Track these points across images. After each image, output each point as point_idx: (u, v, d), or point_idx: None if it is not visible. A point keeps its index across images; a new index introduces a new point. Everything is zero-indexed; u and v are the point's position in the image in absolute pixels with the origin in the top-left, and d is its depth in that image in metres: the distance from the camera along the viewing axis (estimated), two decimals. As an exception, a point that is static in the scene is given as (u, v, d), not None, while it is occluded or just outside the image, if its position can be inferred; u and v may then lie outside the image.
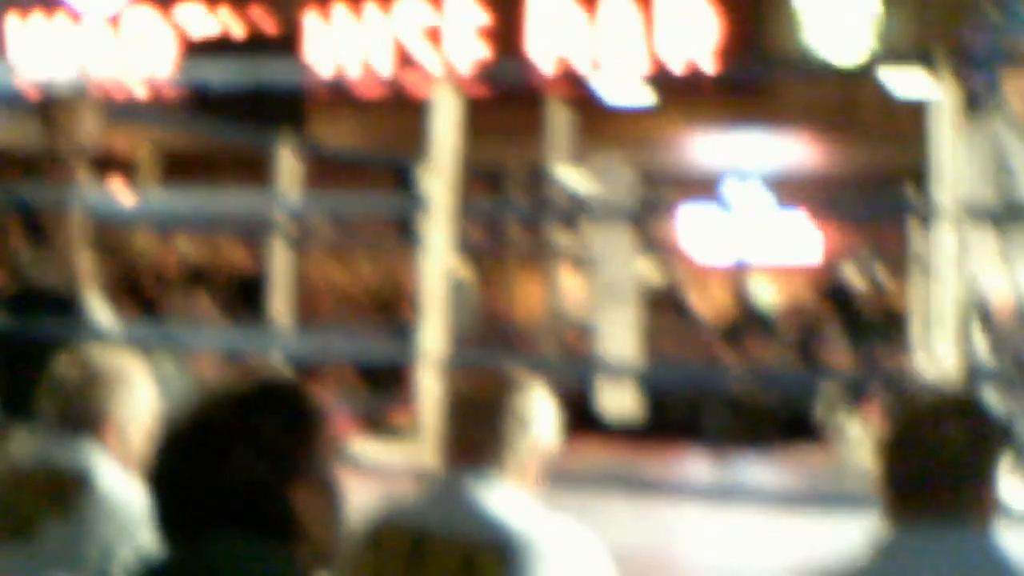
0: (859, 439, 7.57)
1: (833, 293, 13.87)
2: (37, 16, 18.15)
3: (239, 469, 2.18)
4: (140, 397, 3.69)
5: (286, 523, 2.21)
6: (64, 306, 6.33)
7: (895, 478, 2.64)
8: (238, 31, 15.65)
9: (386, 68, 17.01)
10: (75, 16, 17.90)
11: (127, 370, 3.71)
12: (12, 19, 18.28)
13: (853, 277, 14.22)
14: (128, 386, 3.67)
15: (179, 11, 17.43)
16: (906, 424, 2.66)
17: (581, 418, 8.72)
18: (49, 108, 6.56)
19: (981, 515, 2.62)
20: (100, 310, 6.41)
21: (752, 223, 17.18)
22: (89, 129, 6.57)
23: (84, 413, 3.60)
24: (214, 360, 7.33)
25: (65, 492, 3.46)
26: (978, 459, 2.62)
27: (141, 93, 17.24)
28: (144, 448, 3.66)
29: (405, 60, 16.47)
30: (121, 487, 3.48)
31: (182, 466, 2.20)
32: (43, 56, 17.65)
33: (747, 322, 12.77)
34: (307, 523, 2.22)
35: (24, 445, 3.75)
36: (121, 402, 3.64)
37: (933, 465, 2.60)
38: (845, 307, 12.45)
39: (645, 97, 15.81)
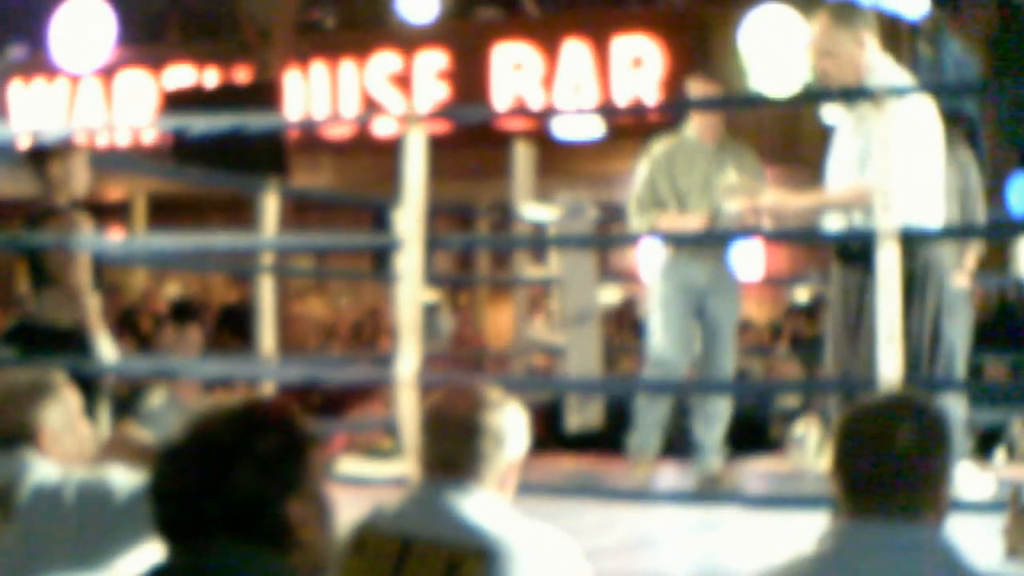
0: (816, 446, 7.56)
1: (796, 310, 13.93)
2: (39, 81, 18.19)
3: (240, 484, 2.20)
4: (65, 401, 3.68)
5: (282, 534, 2.23)
6: (67, 341, 6.31)
7: (849, 478, 2.62)
8: (225, 88, 15.66)
9: (358, 115, 17.05)
10: (74, 80, 17.94)
11: (47, 380, 3.70)
12: (16, 84, 18.34)
13: (804, 295, 14.29)
14: (52, 394, 3.65)
15: (168, 72, 17.47)
16: (858, 425, 2.65)
17: (551, 433, 8.72)
18: (41, 159, 6.56)
19: (934, 512, 2.60)
20: (105, 345, 6.40)
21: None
22: (80, 177, 6.56)
23: (16, 428, 3.59)
24: (199, 388, 7.34)
25: (8, 502, 3.45)
26: (930, 458, 2.61)
27: (130, 144, 17.28)
28: (84, 444, 3.71)
29: (376, 107, 16.52)
30: (62, 484, 3.46)
31: (185, 479, 2.22)
32: (42, 115, 17.69)
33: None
34: (301, 534, 2.24)
35: None
36: (50, 411, 3.63)
37: (886, 465, 2.58)
38: (809, 322, 12.50)
39: (600, 133, 15.86)
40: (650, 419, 6.94)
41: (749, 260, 17.43)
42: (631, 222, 7.17)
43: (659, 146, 7.17)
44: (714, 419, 6.96)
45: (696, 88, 7.16)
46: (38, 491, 3.45)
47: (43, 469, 3.52)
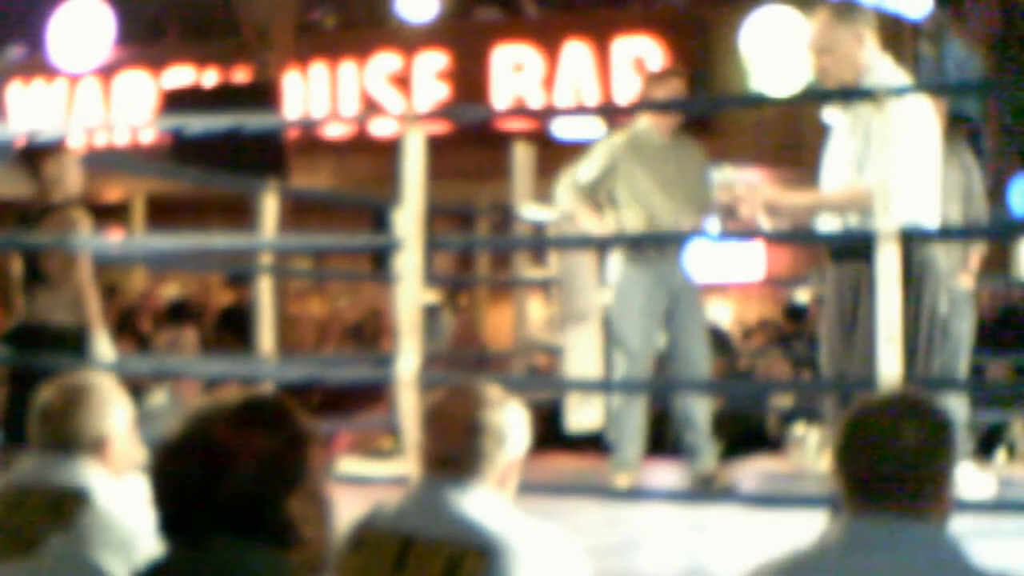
0: (817, 446, 7.57)
1: (791, 311, 13.95)
2: (38, 81, 18.20)
3: (239, 481, 2.21)
4: (122, 411, 3.65)
5: (282, 531, 2.24)
6: (65, 340, 6.31)
7: (852, 477, 2.62)
8: (224, 88, 15.66)
9: (358, 114, 17.07)
10: (73, 80, 17.94)
11: (107, 387, 3.66)
12: (15, 85, 18.34)
13: (803, 296, 14.29)
14: (113, 403, 3.63)
15: (168, 72, 17.48)
16: (862, 423, 2.65)
17: (551, 432, 8.72)
18: (35, 158, 6.56)
19: (938, 511, 2.61)
20: (103, 345, 6.39)
21: (709, 249, 17.22)
22: (73, 175, 6.56)
23: (80, 434, 3.54)
24: (199, 387, 7.34)
25: (65, 509, 3.40)
26: (934, 456, 2.61)
27: (129, 144, 17.28)
28: (131, 455, 3.66)
29: (376, 107, 16.53)
30: (119, 500, 3.41)
31: (184, 477, 2.22)
32: (41, 115, 17.68)
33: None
34: (301, 531, 2.25)
35: (23, 468, 3.68)
36: (114, 420, 3.60)
37: (890, 463, 2.58)
38: (801, 323, 12.53)
39: (601, 134, 15.86)
40: (631, 427, 6.89)
41: (751, 260, 17.47)
42: (557, 193, 7.17)
43: (619, 139, 7.10)
44: (693, 420, 6.91)
45: (660, 88, 7.04)
46: (98, 508, 3.39)
47: (104, 483, 3.47)
